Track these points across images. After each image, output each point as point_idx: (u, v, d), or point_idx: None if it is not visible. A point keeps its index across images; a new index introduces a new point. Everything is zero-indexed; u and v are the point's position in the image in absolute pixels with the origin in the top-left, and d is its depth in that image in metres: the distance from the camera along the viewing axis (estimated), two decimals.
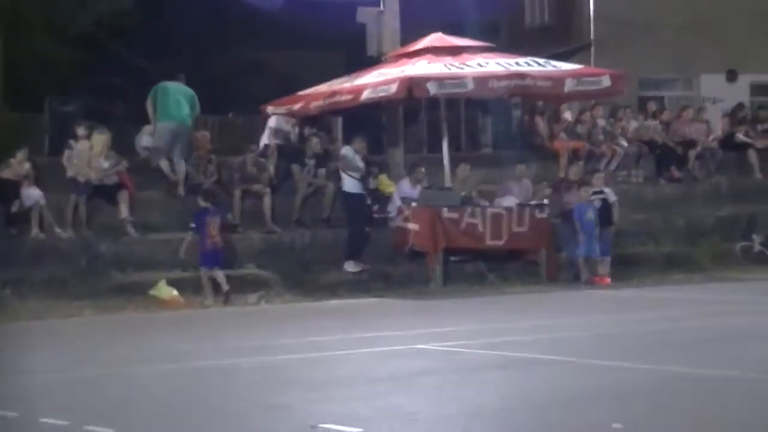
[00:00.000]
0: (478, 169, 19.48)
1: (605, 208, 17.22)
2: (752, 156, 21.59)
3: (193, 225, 15.89)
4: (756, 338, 11.36)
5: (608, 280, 17.06)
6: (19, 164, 16.33)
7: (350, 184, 17.45)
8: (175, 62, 24.23)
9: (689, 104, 24.97)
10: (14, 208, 16.00)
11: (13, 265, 15.76)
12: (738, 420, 7.55)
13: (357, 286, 17.15)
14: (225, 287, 15.23)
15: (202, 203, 16.00)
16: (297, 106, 18.58)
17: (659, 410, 7.86)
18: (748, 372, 9.27)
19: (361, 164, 17.49)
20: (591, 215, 16.58)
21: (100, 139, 16.90)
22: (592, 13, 28.11)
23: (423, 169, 18.18)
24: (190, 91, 18.20)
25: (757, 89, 27.89)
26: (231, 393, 9.11)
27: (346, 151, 17.68)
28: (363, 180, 17.65)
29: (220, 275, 15.70)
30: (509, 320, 14.20)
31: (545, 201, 17.80)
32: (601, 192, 17.45)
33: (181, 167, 17.49)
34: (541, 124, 21.18)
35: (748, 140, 21.78)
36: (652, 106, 23.24)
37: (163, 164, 17.70)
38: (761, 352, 10.50)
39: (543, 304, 16.24)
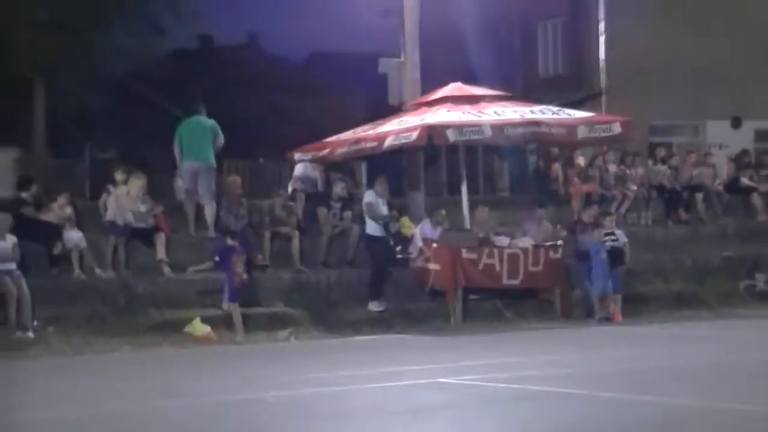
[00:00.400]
0: (495, 211, 20.40)
1: (616, 248, 17.91)
2: (756, 199, 22.96)
3: (216, 258, 16.99)
4: (762, 374, 11.76)
5: (619, 317, 17.66)
6: (61, 208, 17.32)
7: (373, 227, 18.44)
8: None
9: (695, 149, 26.00)
10: (56, 250, 16.84)
11: (55, 304, 16.59)
12: None
13: (380, 324, 17.87)
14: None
15: (230, 242, 16.88)
16: (322, 153, 19.59)
17: None
18: (755, 405, 9.70)
19: (384, 211, 18.43)
20: (604, 255, 17.31)
21: (137, 183, 17.88)
22: (602, 62, 29.51)
23: (443, 212, 19.18)
24: (210, 121, 19.01)
25: (761, 135, 29.45)
26: (256, 426, 9.80)
27: (370, 197, 18.54)
28: (386, 225, 18.54)
29: (237, 312, 16.73)
30: (525, 355, 14.71)
31: (560, 242, 18.54)
32: (613, 233, 18.19)
33: (211, 209, 18.33)
34: (557, 169, 22.21)
35: (752, 184, 23.27)
36: (660, 152, 24.46)
37: (187, 204, 18.82)
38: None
39: (557, 339, 16.91)
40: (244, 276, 17.00)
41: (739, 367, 12.65)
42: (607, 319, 17.95)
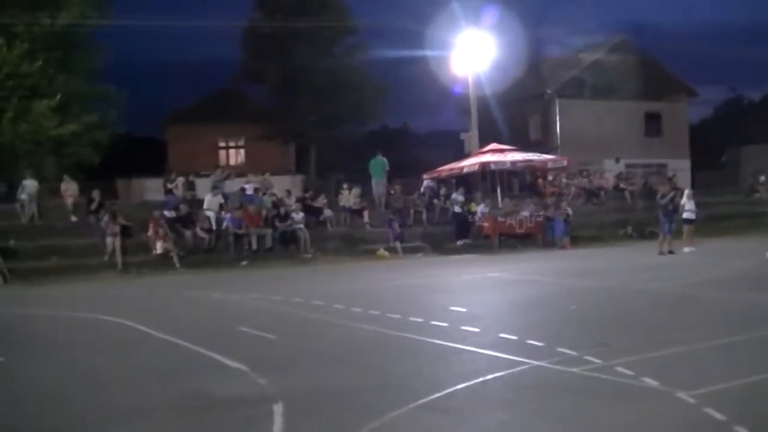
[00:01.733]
0: (512, 200, 32.49)
1: (569, 216, 30.56)
2: (627, 195, 37.55)
3: (388, 224, 29.67)
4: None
5: (569, 247, 29.42)
6: (322, 201, 31.10)
7: (456, 207, 31.15)
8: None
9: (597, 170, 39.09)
10: (322, 217, 29.64)
11: (319, 240, 28.60)
12: None
13: (461, 250, 29.57)
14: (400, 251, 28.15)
15: (392, 216, 29.66)
16: (435, 174, 32.98)
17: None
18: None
19: (462, 199, 31.14)
20: (562, 221, 30.14)
21: (355, 191, 31.76)
22: (558, 134, 45.59)
23: (489, 200, 31.32)
24: (383, 159, 32.54)
25: (628, 165, 43.77)
26: (415, 296, 17.51)
27: (456, 195, 31.40)
28: (462, 206, 31.18)
29: (399, 246, 28.91)
30: (525, 264, 23.90)
31: (541, 213, 30.77)
32: (567, 211, 30.72)
33: (381, 200, 32.25)
34: (541, 183, 35.41)
35: (625, 187, 38.02)
36: (584, 173, 38.48)
37: (377, 198, 32.16)
38: None
39: (539, 258, 26.37)
40: (399, 230, 29.12)
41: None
42: (563, 248, 29.56)
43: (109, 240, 25.82)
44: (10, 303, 18.62)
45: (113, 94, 35.66)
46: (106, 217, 26.47)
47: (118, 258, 25.51)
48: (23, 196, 28.69)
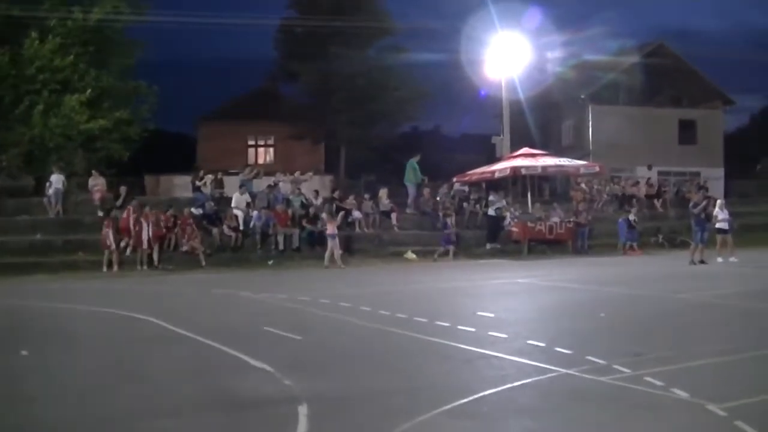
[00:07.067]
0: (543, 204, 32.58)
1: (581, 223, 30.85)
2: (655, 202, 37.00)
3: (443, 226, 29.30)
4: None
5: (639, 252, 29.80)
6: (350, 201, 31.02)
7: (492, 211, 31.05)
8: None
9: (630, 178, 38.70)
10: (349, 219, 29.69)
11: (348, 243, 28.60)
12: None
13: (490, 254, 29.95)
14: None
15: (448, 219, 29.36)
16: (466, 178, 32.95)
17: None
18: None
19: (503, 203, 31.08)
20: (623, 226, 30.36)
21: (383, 191, 31.99)
22: (590, 138, 44.58)
23: (518, 205, 31.62)
24: (415, 165, 32.55)
25: (661, 173, 43.45)
26: (455, 300, 17.77)
27: (493, 198, 31.38)
28: (496, 210, 31.01)
29: (451, 249, 28.91)
30: (555, 270, 23.90)
31: (572, 218, 30.93)
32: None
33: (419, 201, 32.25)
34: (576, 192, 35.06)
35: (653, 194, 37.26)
36: (615, 180, 37.89)
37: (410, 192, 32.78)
38: None
39: (569, 263, 26.38)
40: (453, 233, 28.87)
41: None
42: (628, 254, 29.45)
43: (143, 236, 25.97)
44: (36, 296, 18.75)
45: (144, 89, 35.92)
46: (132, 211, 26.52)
47: (154, 255, 25.91)
48: (51, 191, 29.16)
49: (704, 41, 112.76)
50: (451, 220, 29.53)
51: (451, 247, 28.81)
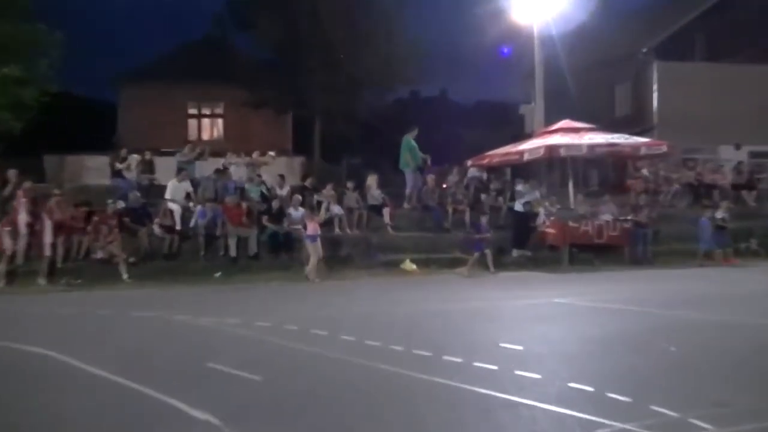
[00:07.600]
0: (589, 198, 31.97)
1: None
2: (746, 194, 35.51)
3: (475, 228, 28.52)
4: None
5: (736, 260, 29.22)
6: (328, 192, 30.07)
7: (519, 206, 30.41)
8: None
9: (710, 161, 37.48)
10: (325, 216, 28.34)
11: (326, 248, 27.56)
12: None
13: (519, 264, 29.26)
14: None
15: (482, 219, 28.60)
16: (484, 161, 32.44)
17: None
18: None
19: (537, 196, 30.21)
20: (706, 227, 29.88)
21: (373, 178, 31.34)
22: (655, 107, 43.39)
23: (555, 198, 30.71)
24: (413, 143, 31.70)
25: (754, 154, 42.18)
26: (453, 327, 17.13)
27: (520, 187, 30.74)
28: (525, 205, 30.22)
29: (489, 255, 27.75)
30: (605, 286, 23.65)
31: (629, 217, 30.30)
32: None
33: (414, 188, 31.53)
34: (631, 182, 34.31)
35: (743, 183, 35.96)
36: (689, 164, 36.70)
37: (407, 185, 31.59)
38: None
39: (623, 278, 26.10)
40: (487, 235, 27.94)
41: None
42: (724, 263, 29.38)
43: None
44: None
45: (44, 37, 35.22)
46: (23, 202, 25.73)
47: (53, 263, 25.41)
48: None
49: None
50: (485, 219, 28.93)
51: (477, 254, 28.09)
